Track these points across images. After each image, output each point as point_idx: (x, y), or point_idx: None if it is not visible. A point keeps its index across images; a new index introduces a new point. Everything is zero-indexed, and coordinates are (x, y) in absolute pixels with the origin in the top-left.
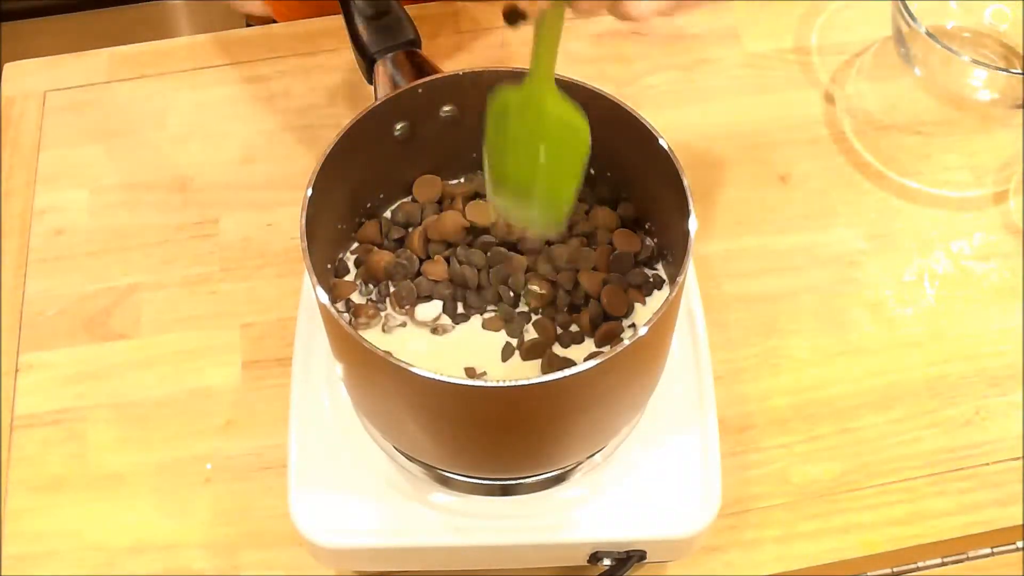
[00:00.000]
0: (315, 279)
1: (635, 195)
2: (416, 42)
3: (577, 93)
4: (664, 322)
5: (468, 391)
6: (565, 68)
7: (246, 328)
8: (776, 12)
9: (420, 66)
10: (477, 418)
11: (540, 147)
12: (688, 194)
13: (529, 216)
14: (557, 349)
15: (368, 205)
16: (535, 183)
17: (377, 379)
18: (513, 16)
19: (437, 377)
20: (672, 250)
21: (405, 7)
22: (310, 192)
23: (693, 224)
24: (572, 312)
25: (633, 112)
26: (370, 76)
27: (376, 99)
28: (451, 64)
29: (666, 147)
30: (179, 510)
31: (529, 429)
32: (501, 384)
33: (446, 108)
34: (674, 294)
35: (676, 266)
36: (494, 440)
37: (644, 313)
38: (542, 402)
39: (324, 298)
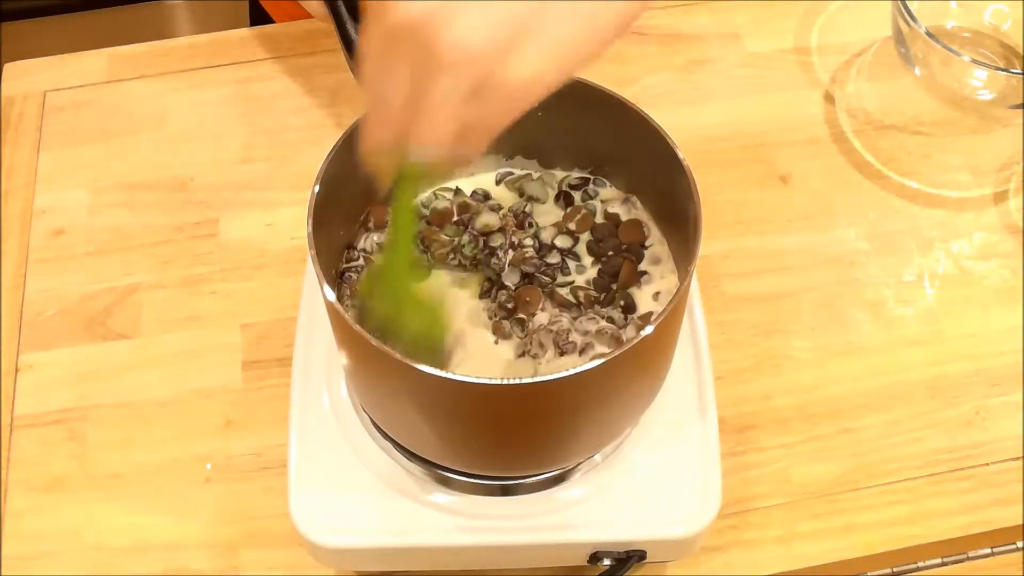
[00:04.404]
0: (321, 275)
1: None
2: None
3: (582, 92)
4: (669, 321)
5: (475, 389)
6: None
7: (246, 328)
8: (776, 12)
9: None
10: (482, 415)
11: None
12: (695, 191)
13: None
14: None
15: (367, 211)
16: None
17: (382, 376)
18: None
19: (443, 375)
20: (675, 241)
21: None
22: (317, 188)
23: (699, 239)
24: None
25: (643, 113)
26: None
27: None
28: None
29: (681, 158)
30: (179, 510)
31: (534, 427)
32: (506, 382)
33: None
34: (679, 294)
35: (679, 251)
36: (498, 438)
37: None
38: (547, 401)
39: (331, 296)
